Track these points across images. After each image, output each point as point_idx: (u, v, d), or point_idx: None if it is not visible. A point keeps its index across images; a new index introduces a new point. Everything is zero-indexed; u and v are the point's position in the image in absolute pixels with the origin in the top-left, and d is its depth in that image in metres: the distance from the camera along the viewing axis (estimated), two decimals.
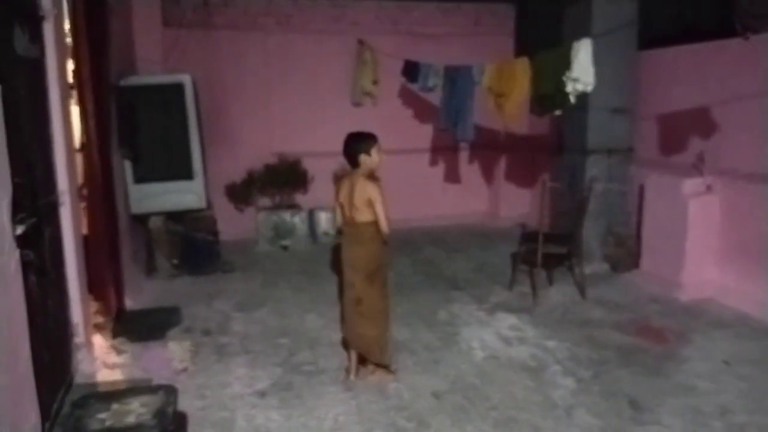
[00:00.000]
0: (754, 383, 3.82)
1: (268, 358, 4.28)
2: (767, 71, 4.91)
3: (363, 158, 3.66)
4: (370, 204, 3.60)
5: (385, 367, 3.93)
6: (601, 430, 3.33)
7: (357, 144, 3.68)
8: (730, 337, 4.54)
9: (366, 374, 3.94)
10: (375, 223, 3.65)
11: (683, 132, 5.74)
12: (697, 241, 5.29)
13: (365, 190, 3.60)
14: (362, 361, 3.95)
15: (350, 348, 3.95)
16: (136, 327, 4.68)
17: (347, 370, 3.95)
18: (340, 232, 3.96)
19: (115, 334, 4.53)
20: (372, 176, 3.73)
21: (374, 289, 3.77)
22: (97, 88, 4.55)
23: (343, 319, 4.17)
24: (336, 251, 4.74)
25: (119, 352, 4.33)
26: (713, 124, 5.36)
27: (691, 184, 5.33)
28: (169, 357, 4.28)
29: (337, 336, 4.60)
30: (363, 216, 3.65)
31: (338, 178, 3.83)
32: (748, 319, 4.86)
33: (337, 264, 4.44)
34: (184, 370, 4.09)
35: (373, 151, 3.67)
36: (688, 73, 5.74)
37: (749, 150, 5.09)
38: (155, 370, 4.05)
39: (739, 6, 4.58)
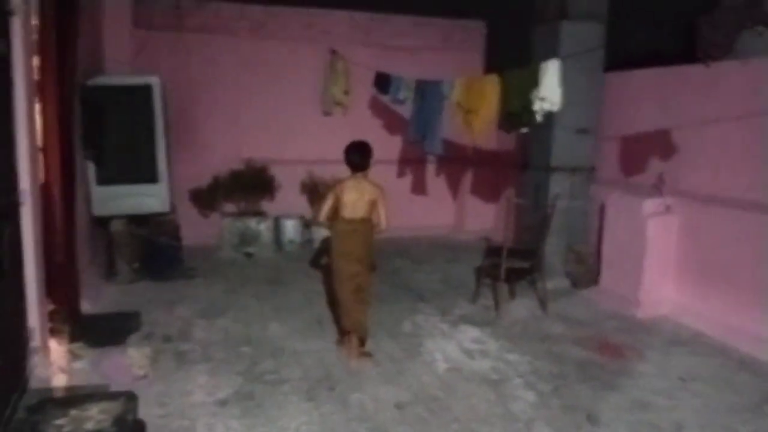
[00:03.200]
0: (707, 400, 3.93)
1: (229, 366, 4.23)
2: (726, 97, 5.11)
3: (371, 163, 4.33)
4: (374, 203, 4.23)
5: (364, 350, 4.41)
6: None
7: (367, 151, 4.32)
8: (686, 355, 4.67)
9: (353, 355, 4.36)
10: (372, 220, 4.26)
11: (644, 153, 5.91)
12: (655, 260, 5.43)
13: (373, 191, 4.25)
14: (362, 342, 4.42)
15: (351, 334, 4.38)
16: (95, 332, 4.56)
17: (348, 354, 4.39)
18: (330, 226, 4.43)
19: (73, 339, 4.41)
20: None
21: (371, 277, 4.45)
22: (62, 86, 4.46)
23: (338, 308, 4.54)
24: (326, 244, 5.17)
25: (76, 357, 4.23)
26: (674, 147, 5.54)
27: (650, 204, 5.47)
28: (128, 363, 4.18)
29: (300, 345, 4.59)
30: (366, 214, 4.25)
31: (337, 181, 4.39)
32: (703, 336, 5.00)
33: (328, 256, 4.61)
34: (144, 377, 4.01)
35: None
36: (650, 96, 5.92)
37: (708, 173, 5.27)
38: (114, 376, 3.95)
39: (701, 34, 4.76)
